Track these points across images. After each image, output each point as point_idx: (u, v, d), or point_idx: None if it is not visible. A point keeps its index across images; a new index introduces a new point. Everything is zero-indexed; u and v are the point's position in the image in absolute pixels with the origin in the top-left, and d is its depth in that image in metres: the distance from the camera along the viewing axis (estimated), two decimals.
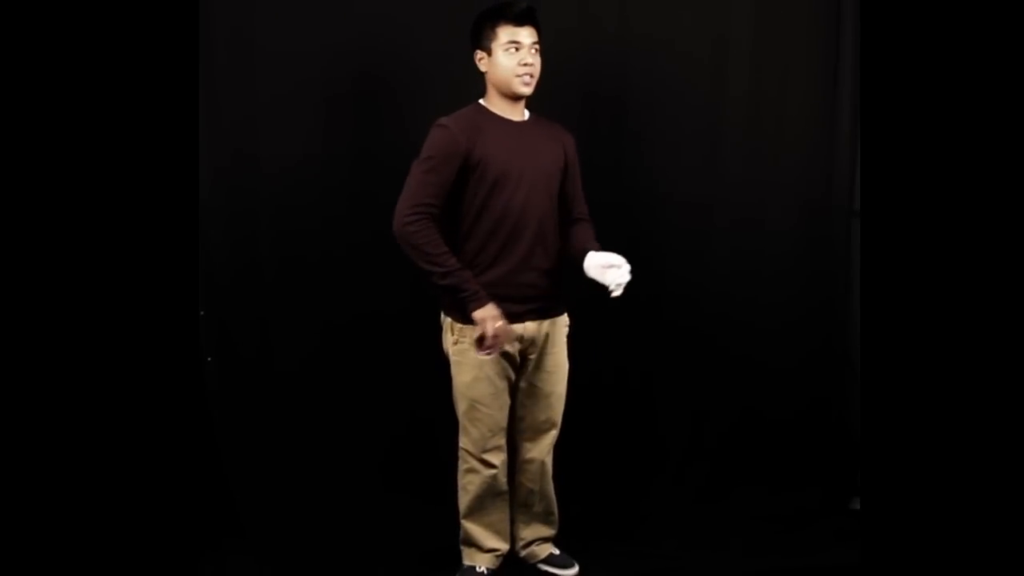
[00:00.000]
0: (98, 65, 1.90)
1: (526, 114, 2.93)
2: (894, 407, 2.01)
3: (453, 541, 3.08)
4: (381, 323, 3.43)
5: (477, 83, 3.19)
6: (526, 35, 2.80)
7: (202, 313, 3.19)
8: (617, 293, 2.77)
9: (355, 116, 3.36)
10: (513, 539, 3.13)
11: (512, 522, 3.11)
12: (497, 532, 3.03)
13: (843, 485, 3.70)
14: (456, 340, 2.90)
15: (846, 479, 3.70)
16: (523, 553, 3.14)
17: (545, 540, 3.15)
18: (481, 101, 2.90)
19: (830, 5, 3.65)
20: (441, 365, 3.36)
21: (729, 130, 3.65)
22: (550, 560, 3.13)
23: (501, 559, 3.05)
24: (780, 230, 3.71)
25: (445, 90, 3.35)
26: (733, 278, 3.70)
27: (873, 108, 2.08)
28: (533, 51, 2.82)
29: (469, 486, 2.97)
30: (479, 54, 2.86)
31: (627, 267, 2.79)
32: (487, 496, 2.97)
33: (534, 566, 3.14)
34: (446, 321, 2.93)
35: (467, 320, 2.81)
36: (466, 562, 3.03)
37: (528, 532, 3.13)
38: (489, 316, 2.73)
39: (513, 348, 2.89)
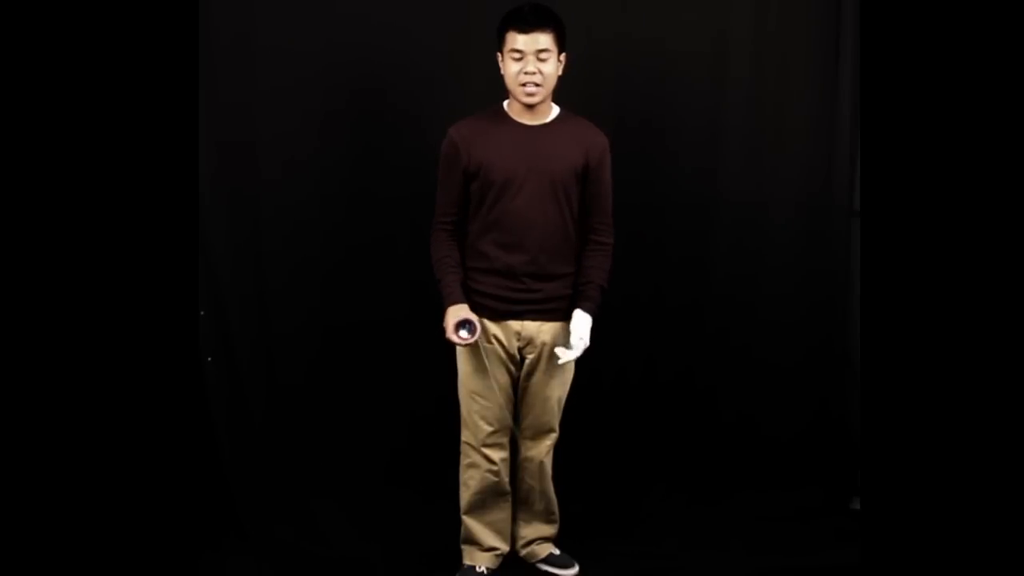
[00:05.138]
0: (98, 66, 1.90)
1: (552, 114, 2.89)
2: (894, 407, 2.01)
3: (453, 541, 3.08)
4: (381, 323, 3.42)
5: (478, 83, 3.19)
6: (529, 43, 2.74)
7: (202, 313, 3.19)
8: (561, 360, 2.83)
9: (355, 117, 3.35)
10: (514, 538, 3.13)
11: (513, 520, 3.11)
12: (498, 532, 3.03)
13: (843, 485, 3.70)
14: None
15: (846, 479, 3.70)
16: (523, 552, 3.14)
17: (545, 540, 3.15)
18: (505, 102, 2.89)
19: (830, 5, 3.65)
20: (441, 365, 3.37)
21: (729, 130, 3.65)
22: (550, 560, 3.13)
23: (501, 559, 3.05)
24: (780, 230, 3.71)
25: (445, 91, 3.36)
26: (733, 278, 3.70)
27: (873, 108, 2.08)
28: (540, 59, 2.75)
29: (470, 481, 2.98)
30: (499, 56, 2.83)
31: (578, 351, 2.82)
32: (488, 494, 2.98)
33: (534, 565, 3.14)
34: None
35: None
36: (466, 561, 3.03)
37: (529, 531, 3.13)
38: (450, 320, 2.81)
39: (511, 345, 2.90)
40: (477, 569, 3.01)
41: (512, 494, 3.07)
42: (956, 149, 1.98)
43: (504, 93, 2.87)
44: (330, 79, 3.32)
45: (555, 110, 2.90)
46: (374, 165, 3.37)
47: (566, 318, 2.92)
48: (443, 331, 2.84)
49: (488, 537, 3.02)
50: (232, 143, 3.26)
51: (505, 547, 3.06)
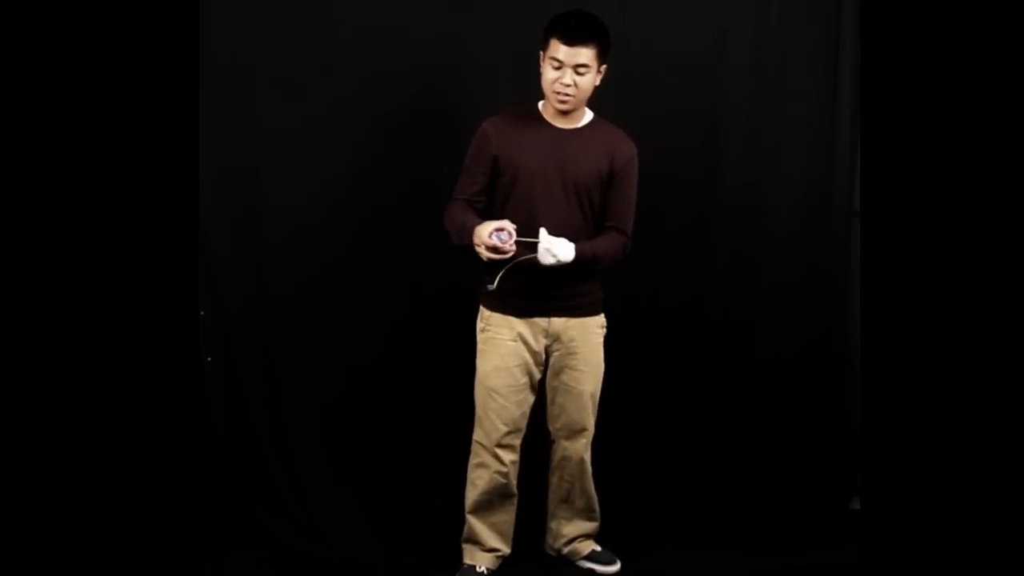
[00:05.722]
0: (100, 65, 1.90)
1: (585, 119, 2.91)
2: (894, 407, 2.01)
3: (454, 541, 3.07)
4: (382, 323, 3.42)
5: (472, 95, 3.18)
6: (570, 55, 2.74)
7: (202, 313, 3.19)
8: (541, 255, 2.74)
9: (356, 118, 3.34)
10: (555, 536, 3.16)
11: (553, 519, 3.15)
12: (500, 533, 3.03)
13: (843, 485, 3.70)
14: (483, 328, 2.93)
15: (846, 479, 3.70)
16: (565, 550, 3.16)
17: (587, 537, 3.17)
18: (540, 103, 2.91)
19: (830, 5, 3.65)
20: (442, 365, 3.37)
21: (729, 130, 3.65)
22: (592, 556, 3.15)
23: (501, 560, 3.05)
24: (780, 230, 3.72)
25: (444, 93, 3.36)
26: (733, 279, 3.70)
27: (873, 108, 2.08)
28: (578, 72, 2.76)
29: (478, 481, 2.97)
30: (541, 54, 2.83)
31: (542, 245, 2.73)
32: (495, 495, 2.97)
33: (575, 563, 3.16)
34: (480, 311, 2.95)
35: (493, 308, 2.88)
36: (467, 561, 3.03)
37: (570, 529, 3.15)
38: (483, 230, 2.71)
39: (538, 343, 2.90)
40: (478, 569, 3.01)
41: (549, 491, 3.11)
42: (956, 149, 1.98)
43: (534, 94, 2.89)
44: (331, 81, 3.31)
45: (588, 115, 2.93)
46: (373, 166, 3.36)
47: (592, 313, 2.96)
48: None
49: (490, 538, 3.02)
50: (233, 143, 3.25)
51: (507, 549, 3.05)
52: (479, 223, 2.78)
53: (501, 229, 2.72)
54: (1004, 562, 1.93)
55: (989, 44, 1.97)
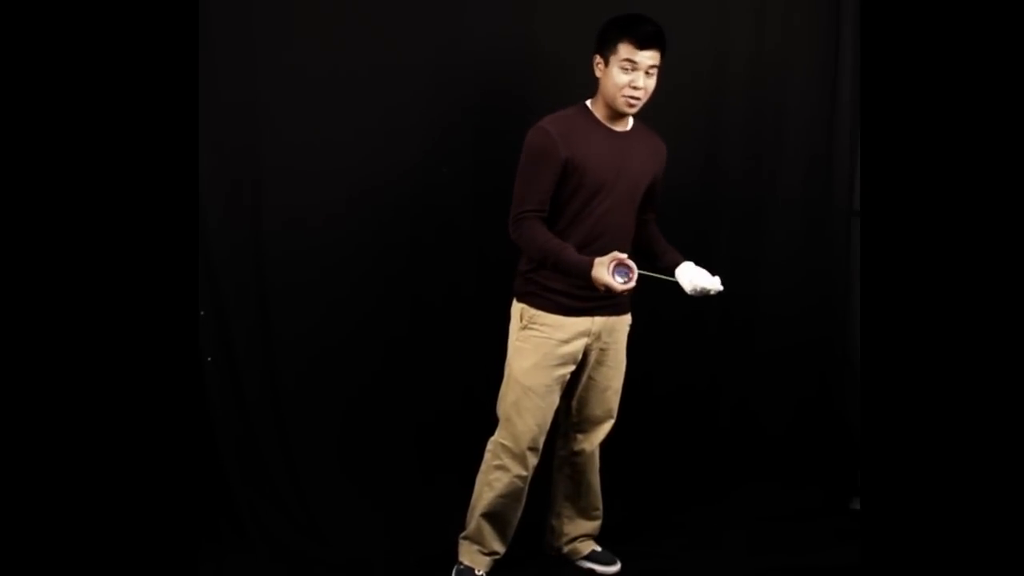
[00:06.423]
0: (99, 65, 1.90)
1: (630, 123, 2.90)
2: (894, 407, 2.01)
3: (453, 541, 3.06)
4: (382, 324, 3.42)
5: (477, 100, 3.16)
6: (645, 57, 2.73)
7: (202, 313, 3.19)
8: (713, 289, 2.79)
9: (356, 114, 3.34)
10: (556, 535, 3.15)
11: (556, 517, 3.14)
12: (503, 536, 3.01)
13: (843, 485, 3.70)
14: (525, 326, 2.86)
15: (846, 479, 3.70)
16: (565, 549, 3.16)
17: (588, 536, 3.16)
18: (588, 103, 2.87)
19: (830, 6, 3.65)
20: (441, 366, 3.36)
21: (729, 130, 3.65)
22: (592, 556, 3.15)
23: (495, 562, 3.03)
24: (780, 230, 3.72)
25: (449, 98, 3.36)
26: (733, 279, 3.67)
27: (873, 108, 2.08)
28: (648, 74, 2.75)
29: (496, 483, 2.91)
30: (597, 59, 2.80)
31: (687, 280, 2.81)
32: (510, 498, 2.93)
33: (575, 563, 3.15)
34: (516, 307, 2.89)
35: (538, 307, 2.82)
36: (465, 561, 3.01)
37: (572, 528, 3.14)
38: (603, 274, 2.65)
39: (581, 343, 2.87)
40: (477, 572, 2.99)
41: (555, 487, 3.10)
42: (956, 149, 1.99)
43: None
44: (333, 83, 3.30)
45: (630, 119, 2.90)
46: (373, 162, 3.36)
47: (627, 310, 2.98)
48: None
49: (494, 542, 2.99)
50: (232, 143, 3.25)
51: (503, 550, 3.03)
52: (581, 259, 2.69)
53: (620, 265, 2.66)
54: (1004, 562, 1.93)
55: (989, 44, 1.97)
